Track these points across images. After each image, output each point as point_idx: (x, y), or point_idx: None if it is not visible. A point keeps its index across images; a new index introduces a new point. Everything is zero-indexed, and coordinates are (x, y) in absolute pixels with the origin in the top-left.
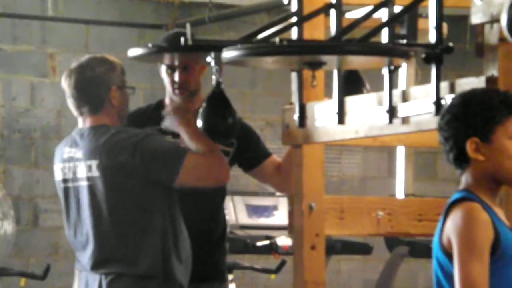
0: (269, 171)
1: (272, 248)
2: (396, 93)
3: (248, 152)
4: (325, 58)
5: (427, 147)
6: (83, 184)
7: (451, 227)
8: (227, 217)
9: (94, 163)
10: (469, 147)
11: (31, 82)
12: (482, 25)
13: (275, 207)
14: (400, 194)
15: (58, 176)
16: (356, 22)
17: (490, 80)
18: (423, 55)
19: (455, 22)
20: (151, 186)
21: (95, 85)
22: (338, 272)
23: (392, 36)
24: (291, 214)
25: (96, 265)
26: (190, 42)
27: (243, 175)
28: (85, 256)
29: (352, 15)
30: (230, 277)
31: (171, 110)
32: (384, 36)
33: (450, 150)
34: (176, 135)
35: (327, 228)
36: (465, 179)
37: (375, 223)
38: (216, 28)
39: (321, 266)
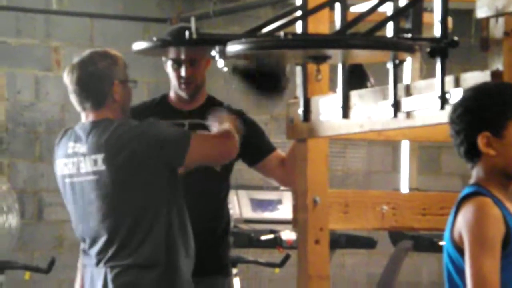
0: (273, 166)
1: (276, 242)
2: (401, 87)
3: (252, 146)
4: (330, 52)
5: (432, 141)
6: (89, 178)
7: (462, 222)
8: (231, 211)
9: (99, 157)
10: (481, 141)
11: (36, 76)
12: (487, 19)
13: (279, 201)
14: (404, 188)
15: (60, 171)
16: (361, 16)
17: (495, 74)
18: (428, 49)
19: (460, 16)
20: (159, 176)
21: (97, 80)
22: (342, 266)
23: (397, 30)
24: (295, 208)
25: (104, 259)
26: (194, 36)
27: (247, 169)
28: (94, 250)
29: (357, 9)
30: (234, 271)
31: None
32: (389, 30)
33: (461, 143)
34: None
35: (331, 222)
36: (475, 173)
37: (379, 217)
38: (221, 22)
39: (325, 260)
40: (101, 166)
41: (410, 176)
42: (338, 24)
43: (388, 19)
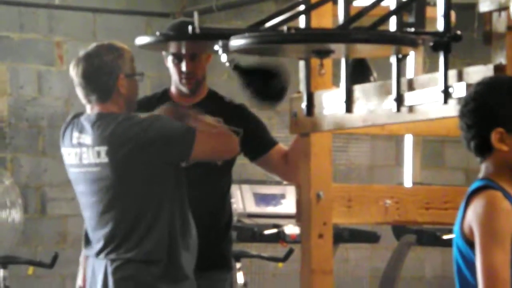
0: (275, 160)
1: (279, 237)
2: (404, 81)
3: (254, 141)
4: (333, 46)
5: (435, 135)
6: (92, 170)
7: (473, 216)
8: (234, 206)
9: (103, 149)
10: (494, 137)
11: (38, 71)
12: (490, 13)
13: (282, 196)
14: (407, 182)
15: (66, 160)
16: (364, 10)
17: (498, 68)
18: (431, 43)
19: (463, 10)
20: (161, 170)
21: (103, 73)
22: (345, 260)
23: (400, 24)
24: (298, 202)
25: (105, 251)
26: (198, 31)
27: (250, 164)
28: (95, 240)
29: (360, 3)
30: (237, 265)
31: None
32: (392, 24)
33: (472, 138)
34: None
35: (334, 216)
36: (485, 167)
37: (382, 212)
38: (224, 16)
39: (328, 254)
40: (104, 159)
41: (414, 170)
42: (341, 18)
43: (391, 13)
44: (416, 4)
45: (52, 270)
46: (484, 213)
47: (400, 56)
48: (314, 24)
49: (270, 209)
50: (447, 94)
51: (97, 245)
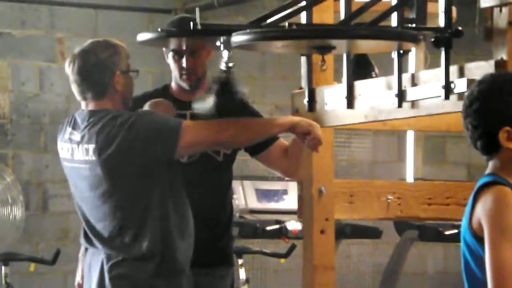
0: (276, 156)
1: (281, 233)
2: (405, 77)
3: None
4: (335, 42)
5: (437, 131)
6: (82, 166)
7: (481, 211)
8: (236, 202)
9: (91, 147)
10: (502, 136)
11: (40, 67)
12: (491, 9)
13: (284, 192)
14: (409, 178)
15: (61, 154)
16: (366, 6)
17: (499, 64)
18: (432, 39)
19: (464, 5)
20: (150, 167)
21: (98, 70)
22: (347, 256)
23: (402, 20)
24: (300, 198)
25: (99, 244)
26: (199, 27)
27: (252, 160)
28: (90, 233)
29: None
30: (239, 261)
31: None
32: (394, 20)
33: (478, 138)
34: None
35: (336, 212)
36: (492, 164)
37: (384, 207)
38: (225, 12)
39: (330, 250)
40: (92, 157)
41: (415, 166)
42: (342, 14)
43: (392, 9)
44: (417, 0)
45: (54, 267)
46: (494, 209)
47: (401, 52)
48: (316, 20)
49: (272, 205)
50: (448, 90)
51: (92, 236)
